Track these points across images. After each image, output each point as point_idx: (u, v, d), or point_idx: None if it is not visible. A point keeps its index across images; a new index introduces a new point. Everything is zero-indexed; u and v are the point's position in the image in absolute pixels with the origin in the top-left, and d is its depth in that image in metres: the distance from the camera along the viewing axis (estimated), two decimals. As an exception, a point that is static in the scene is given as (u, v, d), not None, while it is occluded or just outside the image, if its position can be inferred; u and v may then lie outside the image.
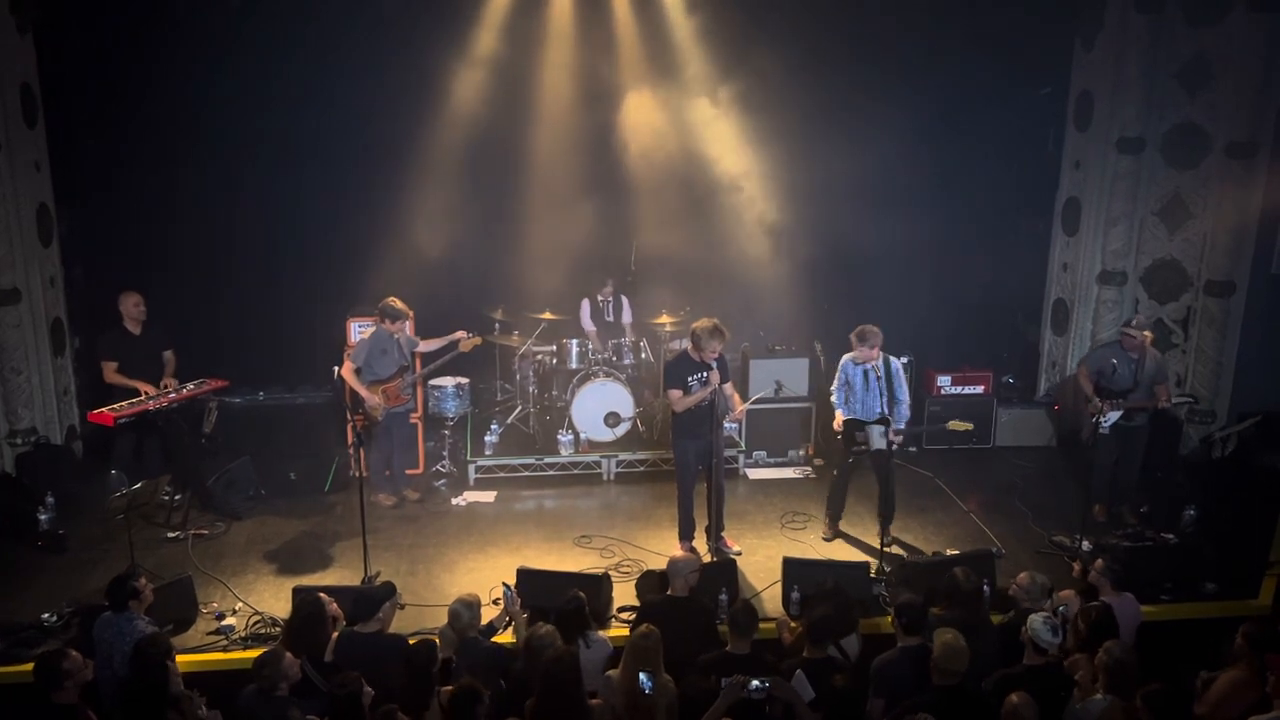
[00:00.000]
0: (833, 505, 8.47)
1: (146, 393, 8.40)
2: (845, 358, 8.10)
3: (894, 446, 7.88)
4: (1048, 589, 6.38)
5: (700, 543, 8.10)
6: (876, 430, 7.86)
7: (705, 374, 7.64)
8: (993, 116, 10.32)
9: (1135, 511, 8.62)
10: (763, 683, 5.16)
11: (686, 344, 7.99)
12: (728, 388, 7.82)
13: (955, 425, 8.00)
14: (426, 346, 8.97)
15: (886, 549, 7.80)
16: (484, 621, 6.27)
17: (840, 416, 8.13)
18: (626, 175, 10.31)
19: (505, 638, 6.48)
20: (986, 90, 10.23)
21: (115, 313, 8.71)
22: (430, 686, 5.37)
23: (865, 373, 7.96)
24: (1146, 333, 8.31)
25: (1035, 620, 5.65)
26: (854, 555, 7.90)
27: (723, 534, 8.04)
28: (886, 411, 7.86)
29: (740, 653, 5.79)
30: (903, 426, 7.99)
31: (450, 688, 5.51)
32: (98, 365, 8.70)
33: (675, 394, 7.76)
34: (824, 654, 5.78)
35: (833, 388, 8.23)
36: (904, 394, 8.01)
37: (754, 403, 8.94)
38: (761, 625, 6.24)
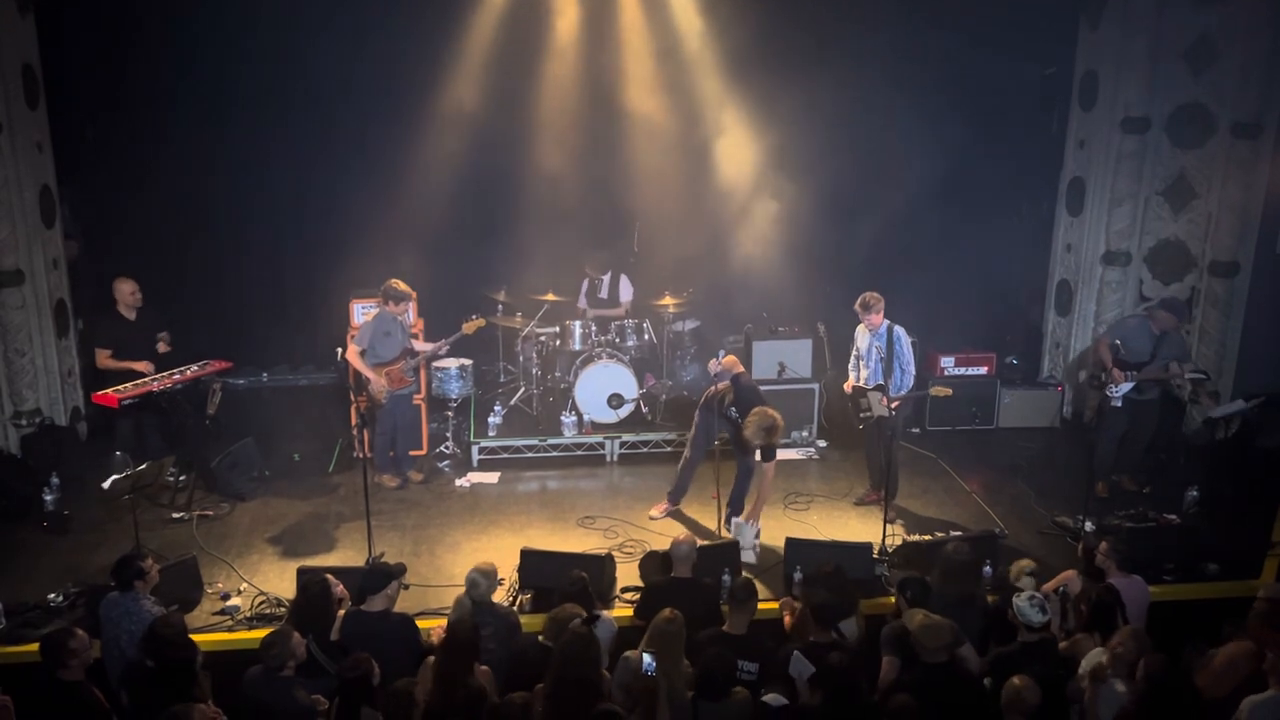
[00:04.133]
0: (870, 471, 8.65)
1: (144, 372, 8.45)
2: (858, 328, 8.38)
3: (891, 413, 7.95)
4: (1036, 576, 6.42)
5: (695, 511, 8.13)
6: (875, 397, 8.04)
7: (734, 411, 7.77)
8: (997, 96, 10.29)
9: (1135, 480, 8.73)
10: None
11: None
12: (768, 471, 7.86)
13: (937, 390, 8.19)
14: (421, 348, 8.96)
15: (890, 524, 7.84)
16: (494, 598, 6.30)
17: (850, 382, 8.45)
18: (630, 157, 10.29)
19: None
20: (991, 69, 10.18)
21: (112, 297, 8.74)
22: (476, 657, 5.35)
23: (869, 342, 8.20)
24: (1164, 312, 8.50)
25: (1020, 601, 5.69)
26: (857, 535, 7.91)
27: (736, 518, 8.07)
28: (885, 379, 8.03)
29: (737, 633, 5.82)
30: (902, 393, 8.09)
31: (485, 668, 5.53)
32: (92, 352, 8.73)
33: (732, 359, 8.04)
34: (830, 637, 5.80)
35: (852, 355, 8.50)
36: (908, 362, 8.18)
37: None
38: (765, 605, 6.26)
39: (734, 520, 7.95)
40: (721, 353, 7.90)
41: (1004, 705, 5.01)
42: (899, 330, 8.16)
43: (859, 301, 8.19)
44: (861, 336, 8.35)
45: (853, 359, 8.50)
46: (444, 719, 4.93)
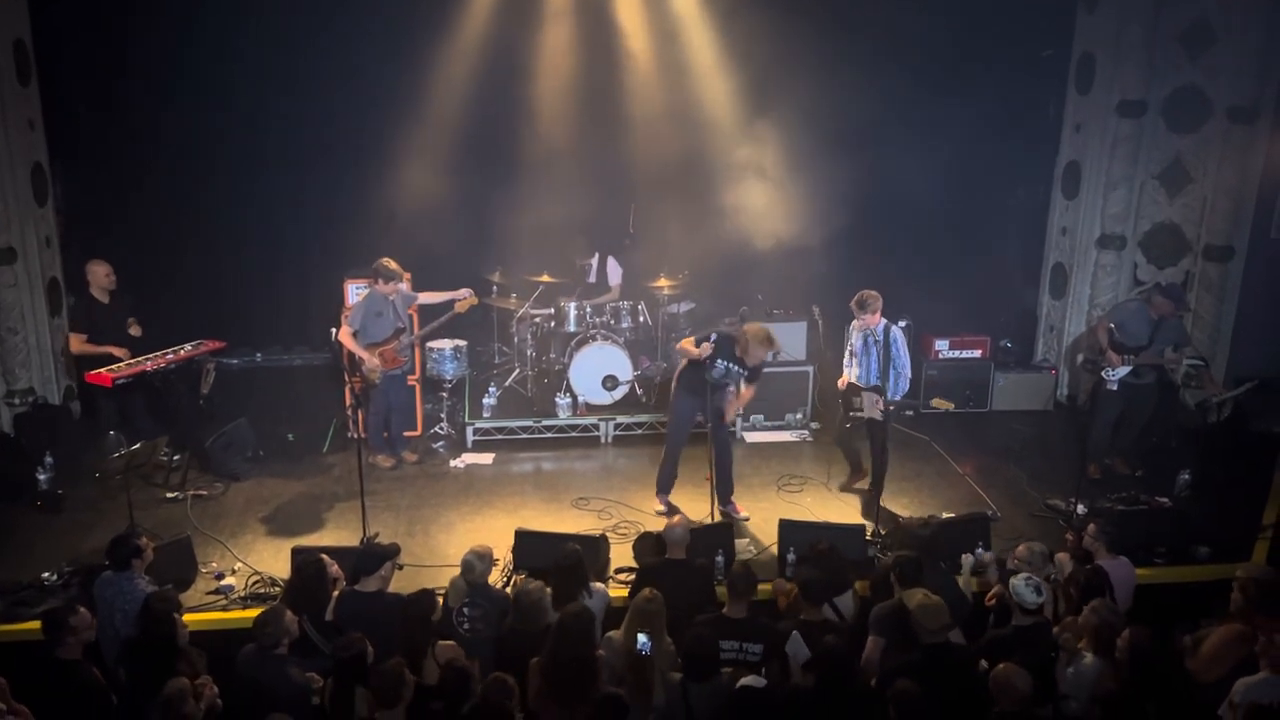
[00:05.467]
0: (848, 459, 8.61)
1: (120, 357, 8.43)
2: (852, 323, 8.19)
3: (884, 417, 7.89)
4: (1047, 556, 6.41)
5: (683, 500, 8.13)
6: (869, 399, 7.94)
7: (728, 366, 7.69)
8: (993, 79, 10.25)
9: (1128, 463, 8.78)
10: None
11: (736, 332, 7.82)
12: (746, 392, 7.92)
13: (938, 403, 8.32)
14: (427, 299, 8.94)
15: (872, 520, 7.85)
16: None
17: (844, 378, 8.30)
18: (626, 138, 10.26)
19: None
20: (987, 52, 10.16)
21: (85, 280, 8.73)
22: (427, 637, 5.41)
23: (866, 339, 8.00)
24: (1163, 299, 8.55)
25: (1016, 582, 5.71)
26: (850, 517, 7.93)
27: (731, 498, 8.08)
28: (882, 381, 7.87)
29: (737, 616, 5.84)
30: (897, 399, 7.99)
31: (449, 642, 5.56)
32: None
33: (688, 341, 7.82)
34: (820, 616, 5.82)
35: (846, 351, 8.38)
36: (904, 365, 7.95)
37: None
38: (760, 587, 6.29)
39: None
40: (713, 335, 7.74)
41: (995, 692, 5.01)
42: (896, 331, 7.94)
43: (855, 299, 7.89)
44: (856, 332, 8.15)
45: (847, 355, 8.32)
46: (430, 699, 4.97)
